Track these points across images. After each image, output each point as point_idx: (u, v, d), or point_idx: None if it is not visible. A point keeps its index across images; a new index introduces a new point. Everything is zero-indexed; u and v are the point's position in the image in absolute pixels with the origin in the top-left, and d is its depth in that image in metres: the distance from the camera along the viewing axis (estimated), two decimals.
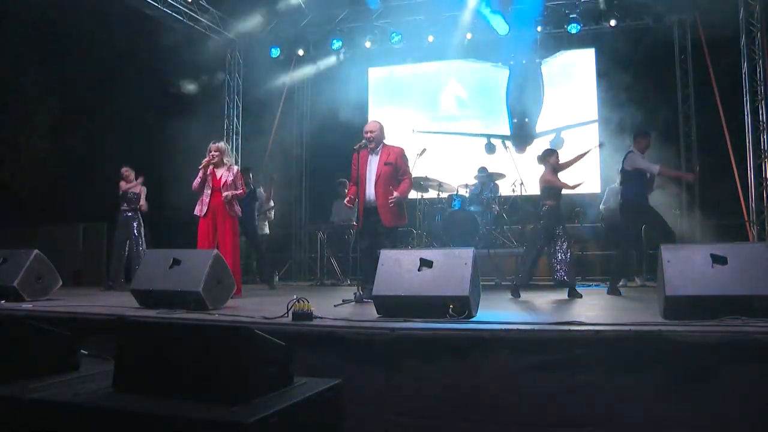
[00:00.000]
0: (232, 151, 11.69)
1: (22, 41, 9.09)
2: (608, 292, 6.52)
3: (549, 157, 6.54)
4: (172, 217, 8.54)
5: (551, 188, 6.42)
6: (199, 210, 6.40)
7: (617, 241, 7.38)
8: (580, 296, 6.06)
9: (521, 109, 10.82)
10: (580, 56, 11.14)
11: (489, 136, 10.87)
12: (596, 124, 10.69)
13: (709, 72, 9.78)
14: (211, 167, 6.49)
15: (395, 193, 5.73)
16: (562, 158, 6.68)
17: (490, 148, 10.82)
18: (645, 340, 3.20)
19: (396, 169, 5.85)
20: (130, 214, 8.01)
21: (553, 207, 6.40)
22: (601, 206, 9.07)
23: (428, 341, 3.48)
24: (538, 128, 10.92)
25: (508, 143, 10.51)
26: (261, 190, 9.62)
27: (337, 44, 11.10)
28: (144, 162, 8.76)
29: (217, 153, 6.49)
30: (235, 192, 6.45)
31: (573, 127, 10.65)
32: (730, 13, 9.33)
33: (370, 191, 5.80)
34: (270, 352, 2.35)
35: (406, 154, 6.04)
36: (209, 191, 6.39)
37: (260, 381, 2.22)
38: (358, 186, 5.78)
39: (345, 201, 6.04)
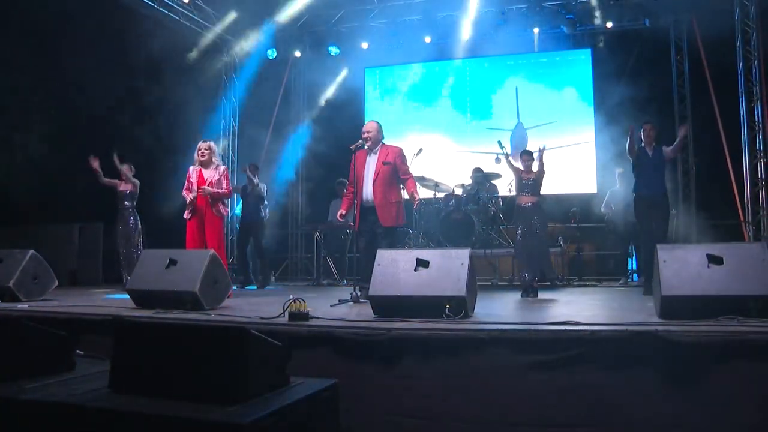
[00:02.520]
0: (229, 152, 11.69)
1: (18, 41, 9.06)
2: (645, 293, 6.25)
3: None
4: (168, 217, 8.51)
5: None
6: (188, 213, 6.36)
7: (644, 240, 6.90)
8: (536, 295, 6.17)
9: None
10: (576, 57, 11.16)
11: (498, 155, 10.95)
12: (583, 133, 10.76)
13: (705, 72, 9.81)
14: (198, 167, 6.45)
15: (415, 195, 5.78)
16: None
17: (498, 160, 10.92)
18: (641, 340, 3.21)
19: (395, 169, 5.83)
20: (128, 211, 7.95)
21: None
22: (603, 209, 8.95)
23: (425, 341, 3.48)
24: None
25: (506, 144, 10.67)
26: (264, 187, 9.51)
27: (334, 50, 11.13)
28: (141, 162, 8.73)
29: (207, 151, 6.44)
30: (217, 190, 6.35)
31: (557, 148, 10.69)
32: (726, 13, 9.36)
33: (368, 191, 5.78)
34: (266, 353, 2.35)
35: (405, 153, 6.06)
36: (195, 193, 6.33)
37: (256, 381, 2.22)
38: (355, 186, 5.80)
39: (337, 216, 6.09)
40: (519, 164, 6.83)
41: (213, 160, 6.48)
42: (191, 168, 6.52)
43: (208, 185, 6.31)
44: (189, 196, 6.34)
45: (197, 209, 6.32)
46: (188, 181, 6.44)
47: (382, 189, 5.74)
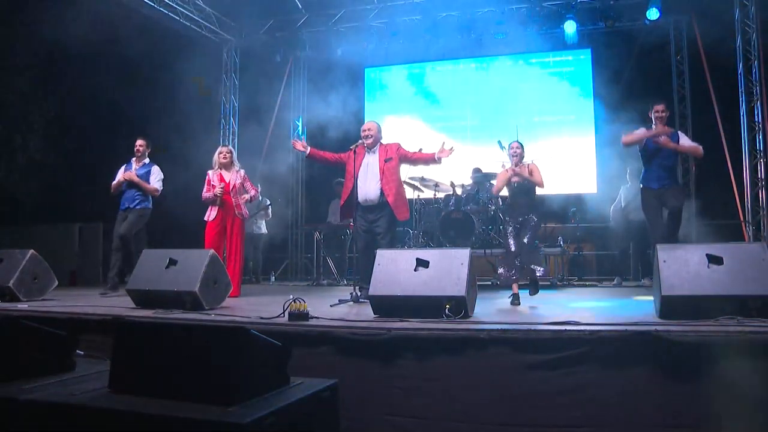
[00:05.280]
0: None
1: (18, 41, 9.07)
2: None
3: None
4: (168, 219, 8.50)
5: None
6: (208, 214, 6.54)
7: (655, 237, 6.04)
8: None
9: None
10: (575, 57, 11.15)
11: (499, 141, 10.93)
12: (583, 133, 10.72)
13: (704, 73, 9.80)
14: (218, 170, 6.65)
15: (442, 151, 5.77)
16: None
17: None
18: (641, 340, 3.21)
19: (398, 163, 5.90)
20: None
21: None
22: (612, 207, 8.85)
23: (425, 341, 3.48)
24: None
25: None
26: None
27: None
28: None
29: (229, 154, 6.74)
30: (246, 195, 6.68)
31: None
32: (726, 13, 9.35)
33: (367, 189, 5.74)
34: (266, 353, 2.35)
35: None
36: (221, 194, 6.52)
37: (256, 381, 2.22)
38: (354, 183, 5.80)
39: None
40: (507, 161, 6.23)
41: (233, 163, 6.76)
42: (210, 172, 6.72)
43: (231, 190, 6.55)
44: (213, 196, 6.52)
45: (221, 211, 6.51)
46: (208, 184, 6.62)
47: (393, 186, 5.77)
